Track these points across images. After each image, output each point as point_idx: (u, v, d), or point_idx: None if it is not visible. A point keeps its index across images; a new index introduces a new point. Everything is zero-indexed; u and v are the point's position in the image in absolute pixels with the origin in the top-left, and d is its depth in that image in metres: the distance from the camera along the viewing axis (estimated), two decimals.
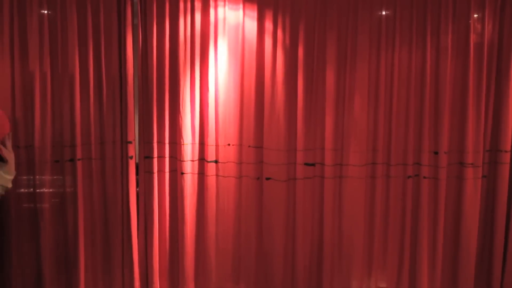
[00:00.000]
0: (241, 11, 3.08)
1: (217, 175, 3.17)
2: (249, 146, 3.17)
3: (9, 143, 1.93)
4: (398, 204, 3.26)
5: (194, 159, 3.15)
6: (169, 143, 3.13)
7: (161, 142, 3.11)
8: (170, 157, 3.15)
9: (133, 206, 3.08)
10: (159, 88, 3.06)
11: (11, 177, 1.98)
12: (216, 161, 3.15)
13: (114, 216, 3.11)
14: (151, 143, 3.08)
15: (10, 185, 2.01)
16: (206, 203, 3.17)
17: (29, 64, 2.91)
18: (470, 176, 3.20)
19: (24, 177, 3.02)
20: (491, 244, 3.32)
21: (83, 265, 3.08)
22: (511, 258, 3.30)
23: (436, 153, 3.20)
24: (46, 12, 2.93)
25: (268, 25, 3.10)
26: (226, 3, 3.08)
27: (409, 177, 3.22)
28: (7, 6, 2.87)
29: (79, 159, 2.99)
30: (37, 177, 2.99)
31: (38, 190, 3.02)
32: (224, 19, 3.09)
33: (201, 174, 3.18)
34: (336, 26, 3.12)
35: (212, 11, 3.07)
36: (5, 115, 1.83)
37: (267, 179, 3.18)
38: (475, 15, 3.15)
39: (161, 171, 3.13)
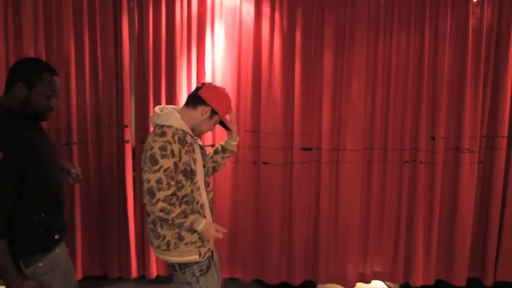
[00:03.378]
0: None
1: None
2: (246, 131, 3.16)
3: (232, 116, 2.31)
4: (394, 189, 3.28)
5: None
6: None
7: None
8: None
9: (130, 191, 3.08)
10: (155, 72, 3.04)
11: (235, 143, 2.39)
12: (212, 145, 3.14)
13: (110, 201, 3.11)
14: (147, 127, 3.07)
15: (235, 149, 2.42)
16: None
17: (24, 47, 2.87)
18: (467, 161, 3.20)
19: None
20: (486, 229, 3.35)
21: (79, 251, 3.09)
22: (506, 243, 3.33)
23: (433, 138, 3.21)
24: None
25: (266, 9, 3.08)
26: None
27: (405, 162, 3.23)
28: None
29: (75, 143, 2.98)
30: None
31: None
32: (221, 2, 3.06)
33: None
34: (334, 11, 3.09)
35: None
36: (227, 93, 2.19)
37: (264, 163, 3.18)
38: (474, 0, 3.12)
39: None
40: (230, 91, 3.12)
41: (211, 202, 2.23)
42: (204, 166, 2.18)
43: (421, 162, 3.21)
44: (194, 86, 3.09)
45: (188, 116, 2.09)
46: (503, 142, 3.22)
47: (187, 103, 2.14)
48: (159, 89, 3.05)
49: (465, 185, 3.23)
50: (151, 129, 3.03)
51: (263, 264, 3.31)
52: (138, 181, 3.14)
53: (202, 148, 2.20)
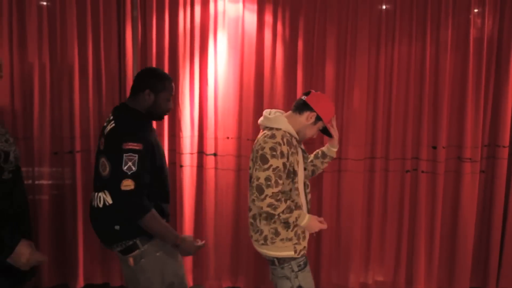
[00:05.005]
0: (241, 4, 3.07)
1: (216, 168, 3.17)
2: (248, 139, 3.17)
3: (334, 123, 2.39)
4: (396, 198, 3.28)
5: (193, 152, 3.15)
6: (168, 135, 3.14)
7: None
8: (169, 149, 3.15)
9: None
10: None
11: (335, 149, 2.46)
12: (215, 154, 3.15)
13: None
14: None
15: (334, 155, 2.49)
16: (205, 196, 3.18)
17: (28, 56, 2.90)
18: (468, 170, 3.20)
19: (23, 169, 3.00)
20: (488, 238, 3.34)
21: (81, 258, 3.10)
22: (508, 252, 3.32)
23: (434, 147, 3.21)
24: (45, 3, 2.92)
25: (268, 18, 3.10)
26: None
27: (407, 171, 3.23)
28: None
29: (78, 151, 2.99)
30: (36, 168, 3.00)
31: (37, 182, 3.02)
32: (224, 12, 3.08)
33: (200, 167, 3.19)
34: (336, 20, 3.11)
35: (211, 3, 3.06)
36: (331, 101, 2.31)
37: None
38: (476, 10, 3.14)
39: None
40: (232, 99, 3.14)
41: (309, 203, 2.34)
42: (305, 169, 2.28)
43: (422, 172, 3.21)
44: (196, 94, 3.11)
45: (294, 120, 2.20)
46: (505, 152, 3.22)
47: (294, 109, 2.25)
48: None
49: (467, 194, 3.22)
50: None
51: (265, 272, 3.29)
52: None
53: (304, 152, 2.34)
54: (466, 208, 3.23)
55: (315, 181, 3.23)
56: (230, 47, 3.11)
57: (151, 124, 2.24)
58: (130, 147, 1.96)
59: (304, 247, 2.25)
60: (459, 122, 3.22)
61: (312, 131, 2.26)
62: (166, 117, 3.07)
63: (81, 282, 3.12)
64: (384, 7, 3.15)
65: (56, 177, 3.08)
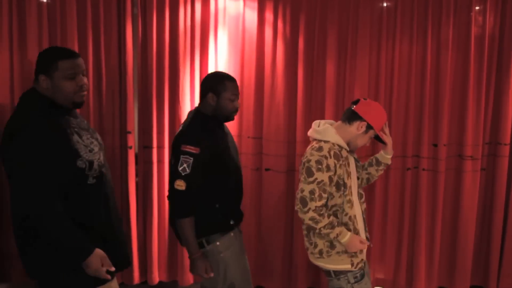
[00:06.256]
0: (241, 1, 3.06)
1: None
2: (248, 137, 3.17)
3: (387, 130, 2.34)
4: (396, 196, 3.27)
5: None
6: (169, 133, 3.13)
7: (160, 132, 3.11)
8: (170, 147, 3.14)
9: (132, 196, 3.08)
10: (158, 78, 3.05)
11: (389, 156, 2.41)
12: None
13: None
14: (150, 133, 3.08)
15: (389, 162, 2.44)
16: None
17: (28, 54, 2.89)
18: (469, 168, 3.20)
19: None
20: (488, 236, 3.34)
21: None
22: (509, 250, 3.32)
23: (435, 145, 3.21)
24: (45, 1, 2.91)
25: (269, 16, 3.09)
26: None
27: (408, 169, 3.23)
28: None
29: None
30: None
31: None
32: (224, 9, 3.07)
33: None
34: (337, 18, 3.10)
35: (212, 1, 3.06)
36: (382, 108, 2.26)
37: (267, 170, 3.18)
38: (477, 8, 3.13)
39: (160, 161, 3.13)
40: None
41: (364, 212, 2.31)
42: (358, 178, 2.28)
43: (423, 169, 3.20)
44: (197, 92, 3.10)
45: (344, 131, 2.18)
46: (506, 150, 3.22)
47: (343, 119, 2.22)
48: (162, 96, 3.07)
49: (468, 192, 3.22)
50: (155, 135, 3.06)
51: (266, 271, 3.30)
52: (141, 187, 3.14)
53: (357, 160, 2.33)
54: (467, 206, 3.23)
55: None
56: (230, 45, 3.10)
57: (219, 128, 2.29)
58: (188, 149, 2.08)
59: (362, 259, 2.24)
60: (460, 119, 3.22)
61: (363, 140, 2.22)
62: (166, 114, 3.09)
63: None
64: (385, 4, 3.14)
65: None
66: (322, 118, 3.16)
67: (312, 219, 2.05)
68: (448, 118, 3.18)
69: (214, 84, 2.21)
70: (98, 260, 1.78)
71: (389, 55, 3.15)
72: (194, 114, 2.28)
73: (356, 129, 2.17)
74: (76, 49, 2.92)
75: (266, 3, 3.08)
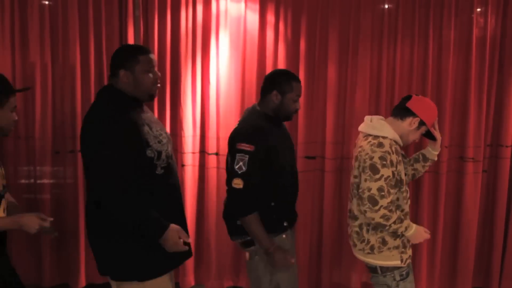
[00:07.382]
0: (243, 4, 3.07)
1: (218, 168, 3.17)
2: None
3: (436, 126, 2.28)
4: None
5: (195, 151, 3.15)
6: (170, 135, 3.12)
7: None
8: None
9: None
10: (160, 79, 3.04)
11: (437, 152, 2.36)
12: (217, 154, 3.15)
13: None
14: None
15: (436, 158, 2.39)
16: (207, 195, 3.18)
17: (30, 55, 2.90)
18: (471, 170, 3.20)
19: (25, 168, 3.02)
20: (490, 239, 3.33)
21: (83, 258, 3.10)
22: (510, 252, 3.31)
23: None
24: (47, 3, 2.92)
25: (270, 18, 3.10)
26: None
27: None
28: None
29: (79, 150, 2.98)
30: (38, 168, 3.00)
31: (38, 181, 3.03)
32: (226, 11, 3.08)
33: (202, 166, 3.19)
34: (338, 20, 3.11)
35: (213, 3, 3.06)
36: (434, 104, 2.23)
37: None
38: (478, 9, 3.13)
39: None
40: (234, 99, 3.14)
41: (409, 208, 2.31)
42: (405, 174, 2.24)
43: (425, 171, 3.20)
44: (198, 94, 3.11)
45: (396, 126, 2.16)
46: (507, 152, 3.21)
47: (395, 115, 2.20)
48: (163, 97, 3.07)
49: (469, 194, 3.22)
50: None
51: None
52: None
53: (404, 156, 2.32)
54: (469, 208, 3.23)
55: (317, 180, 3.23)
56: (232, 47, 3.11)
57: (276, 126, 2.27)
58: (242, 147, 2.07)
59: (410, 256, 2.22)
60: (461, 121, 3.21)
61: (415, 136, 2.20)
62: (167, 116, 3.10)
63: (82, 281, 3.12)
64: (386, 6, 3.15)
65: (57, 177, 3.08)
66: (324, 120, 3.18)
67: (383, 216, 2.02)
68: (449, 120, 3.18)
69: (281, 82, 2.20)
70: (175, 233, 1.83)
71: (390, 57, 3.16)
72: (250, 111, 2.28)
73: (408, 125, 2.15)
74: (77, 50, 2.94)
75: (268, 5, 3.09)
